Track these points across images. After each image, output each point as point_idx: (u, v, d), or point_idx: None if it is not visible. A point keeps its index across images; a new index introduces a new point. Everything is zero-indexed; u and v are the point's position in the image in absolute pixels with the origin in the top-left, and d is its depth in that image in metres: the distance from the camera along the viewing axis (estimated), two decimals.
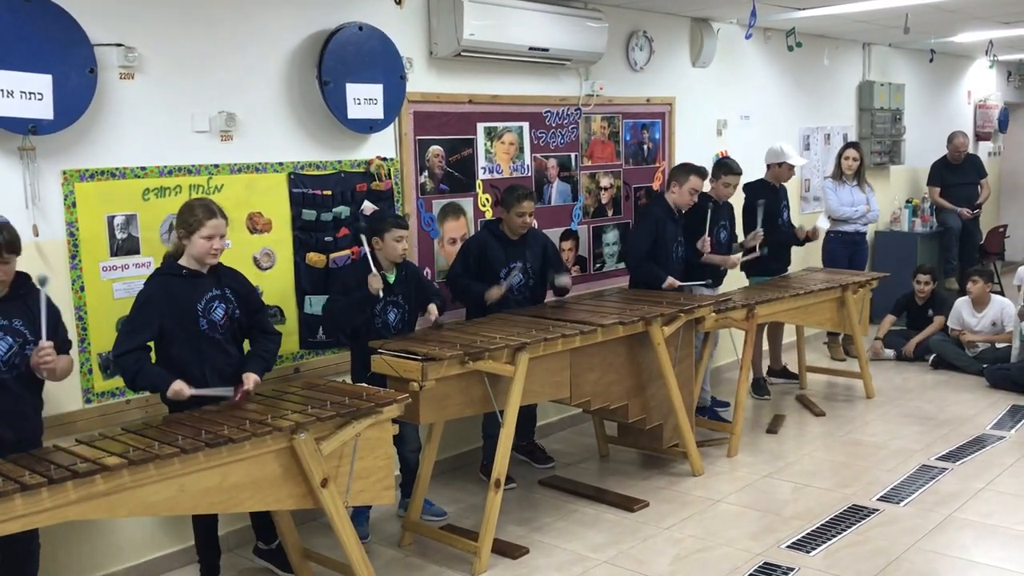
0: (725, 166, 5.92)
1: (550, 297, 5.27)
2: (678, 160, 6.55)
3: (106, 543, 3.97)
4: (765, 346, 6.97)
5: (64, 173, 3.72)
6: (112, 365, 3.68)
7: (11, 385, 3.21)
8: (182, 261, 3.66)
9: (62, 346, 3.38)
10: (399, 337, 4.27)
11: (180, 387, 3.47)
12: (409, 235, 4.43)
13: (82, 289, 3.80)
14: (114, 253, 3.88)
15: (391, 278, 4.36)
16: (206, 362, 3.63)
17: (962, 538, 4.23)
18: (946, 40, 8.70)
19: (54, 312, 3.33)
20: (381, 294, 4.23)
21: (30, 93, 3.51)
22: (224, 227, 3.67)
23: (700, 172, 5.57)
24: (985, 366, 6.83)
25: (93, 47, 3.69)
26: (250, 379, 3.64)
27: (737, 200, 6.25)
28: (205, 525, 3.87)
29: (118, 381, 3.92)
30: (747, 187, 6.44)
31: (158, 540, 4.13)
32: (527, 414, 5.36)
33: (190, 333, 3.61)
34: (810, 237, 6.61)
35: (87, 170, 3.78)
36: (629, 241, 5.75)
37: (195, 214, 3.60)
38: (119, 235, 3.89)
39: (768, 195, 6.38)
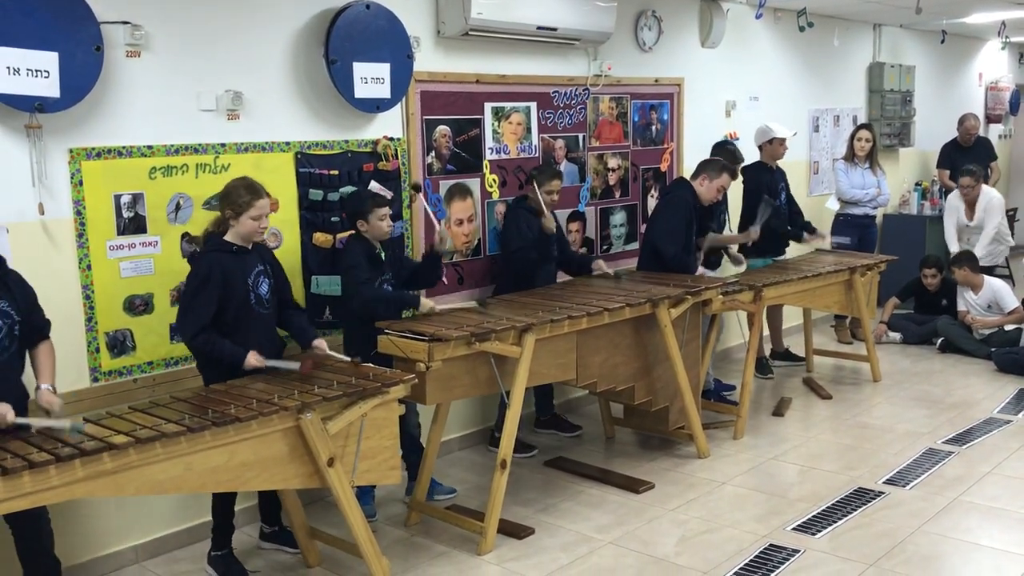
0: (733, 154, 5.93)
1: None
2: (687, 141, 6.52)
3: (121, 518, 4.00)
4: (765, 330, 6.95)
5: (71, 151, 3.71)
6: (188, 346, 3.72)
7: (1, 367, 3.20)
8: (228, 237, 3.72)
9: (43, 327, 3.38)
10: (407, 318, 4.27)
11: (255, 359, 3.61)
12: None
13: (89, 268, 3.80)
14: (121, 232, 3.88)
15: (383, 256, 4.35)
16: (251, 336, 3.69)
17: (968, 521, 4.23)
18: (958, 21, 8.62)
19: (32, 293, 3.33)
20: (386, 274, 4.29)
21: (36, 71, 3.50)
22: (268, 206, 3.76)
23: (733, 173, 5.53)
24: (993, 350, 6.81)
25: (99, 24, 3.67)
26: (323, 344, 3.83)
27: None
28: (224, 500, 3.90)
29: (125, 360, 3.94)
30: (745, 170, 6.40)
31: (173, 516, 4.16)
32: (544, 389, 5.42)
33: (241, 308, 3.69)
34: (818, 236, 6.59)
35: (94, 148, 3.78)
36: (660, 229, 5.39)
37: (242, 196, 3.67)
38: (126, 214, 3.89)
39: (765, 176, 6.36)
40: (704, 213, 5.61)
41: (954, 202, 7.77)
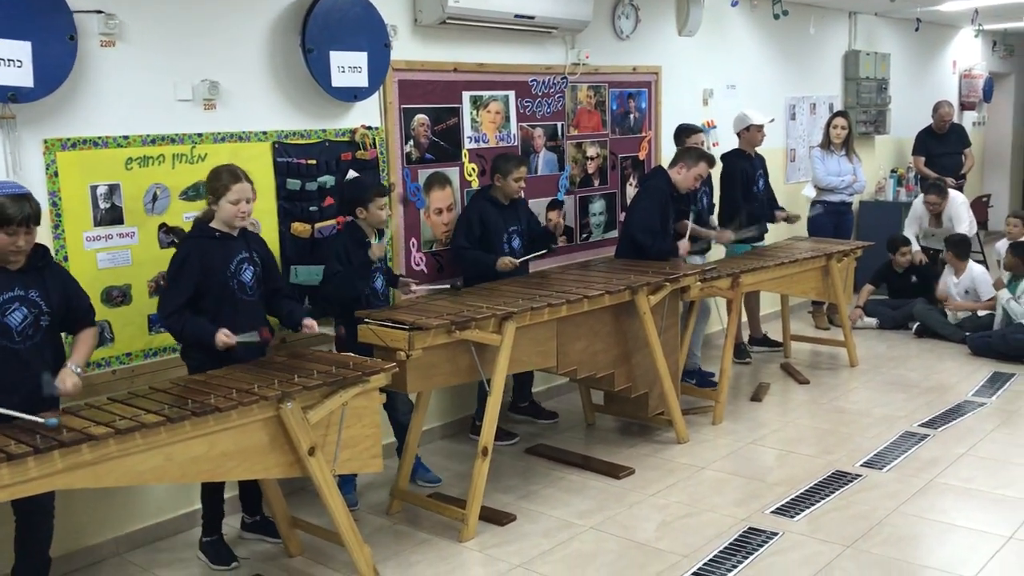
0: (683, 128, 6.03)
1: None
2: (665, 130, 6.54)
3: (101, 510, 3.99)
4: (744, 317, 7.01)
5: (46, 142, 3.68)
6: (163, 326, 3.77)
7: (24, 355, 3.23)
8: (213, 224, 3.75)
9: (85, 316, 3.45)
10: (386, 307, 4.27)
11: (224, 336, 3.60)
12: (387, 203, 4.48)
13: (66, 259, 3.77)
14: (97, 223, 3.86)
15: (376, 242, 4.42)
16: (236, 322, 3.69)
17: (943, 502, 4.29)
18: (932, 9, 8.69)
19: (71, 285, 3.40)
20: (377, 262, 4.37)
21: (9, 60, 3.46)
22: (250, 190, 3.77)
23: (710, 160, 5.55)
24: (967, 334, 6.90)
25: (72, 14, 3.64)
26: (313, 323, 3.88)
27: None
28: (212, 485, 3.90)
29: (103, 352, 3.92)
30: (724, 157, 6.46)
31: (154, 507, 4.15)
32: (523, 376, 5.45)
33: (220, 293, 3.70)
34: (789, 221, 6.67)
35: (69, 139, 3.75)
36: (636, 215, 5.46)
37: (221, 179, 3.71)
38: (102, 205, 3.86)
39: (743, 163, 6.42)
40: (683, 197, 5.65)
41: (919, 210, 7.81)
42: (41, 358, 3.28)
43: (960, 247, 7.21)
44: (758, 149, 6.58)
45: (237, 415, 3.21)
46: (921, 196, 7.89)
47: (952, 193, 7.73)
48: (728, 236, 5.97)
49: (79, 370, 3.32)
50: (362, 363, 3.66)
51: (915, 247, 7.70)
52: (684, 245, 5.46)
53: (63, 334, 3.47)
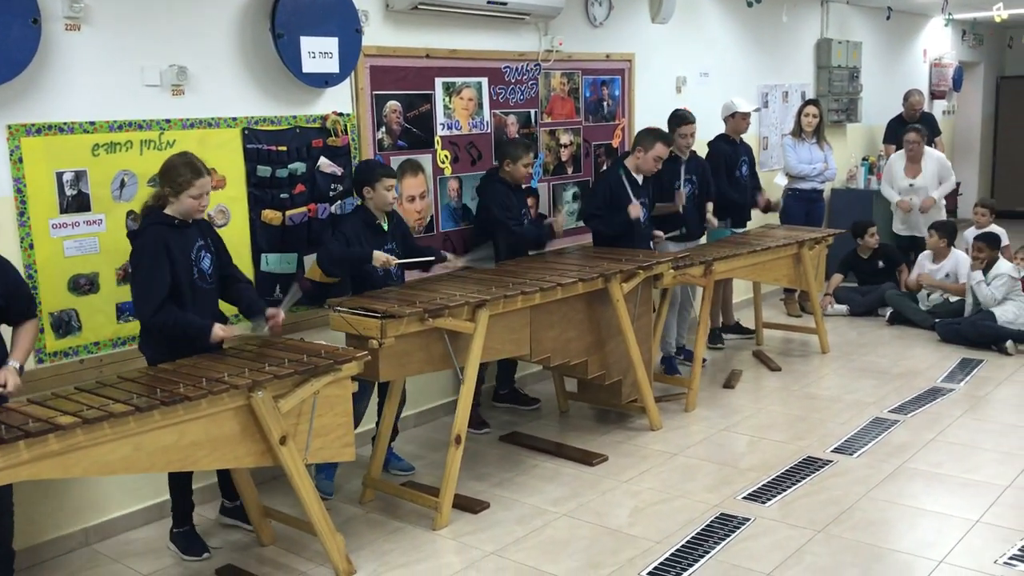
0: (676, 116, 6.01)
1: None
2: (638, 117, 6.55)
3: (82, 498, 3.95)
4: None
5: (9, 127, 3.62)
6: (149, 324, 3.63)
7: None
8: (168, 211, 3.65)
9: (26, 308, 3.35)
10: (358, 295, 4.25)
11: (221, 330, 3.62)
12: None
13: (31, 247, 3.71)
14: (64, 210, 3.80)
15: (385, 227, 4.43)
16: (195, 311, 3.64)
17: (912, 487, 4.33)
18: None
19: (10, 274, 3.29)
20: (391, 268, 4.37)
21: None
22: (210, 184, 3.70)
23: (666, 139, 5.56)
24: (937, 320, 6.97)
25: None
26: (279, 314, 3.84)
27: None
28: (180, 476, 3.86)
29: (71, 340, 3.87)
30: (710, 144, 6.51)
31: (123, 497, 4.10)
32: (505, 363, 5.50)
33: (184, 282, 3.62)
34: (771, 207, 6.73)
35: (33, 124, 3.68)
36: (584, 202, 5.94)
37: (182, 174, 3.60)
38: (68, 191, 3.80)
39: (727, 149, 6.48)
40: (662, 184, 5.77)
41: (895, 163, 7.90)
42: None
43: (951, 233, 7.28)
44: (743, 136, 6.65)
45: (207, 404, 3.18)
46: (895, 154, 7.96)
47: (929, 149, 7.84)
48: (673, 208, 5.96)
49: (19, 366, 3.24)
50: (334, 351, 3.63)
51: (893, 197, 7.78)
52: (633, 208, 5.43)
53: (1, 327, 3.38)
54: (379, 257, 4.24)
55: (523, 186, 5.30)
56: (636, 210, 5.41)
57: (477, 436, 5.09)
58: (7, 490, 3.32)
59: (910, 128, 7.87)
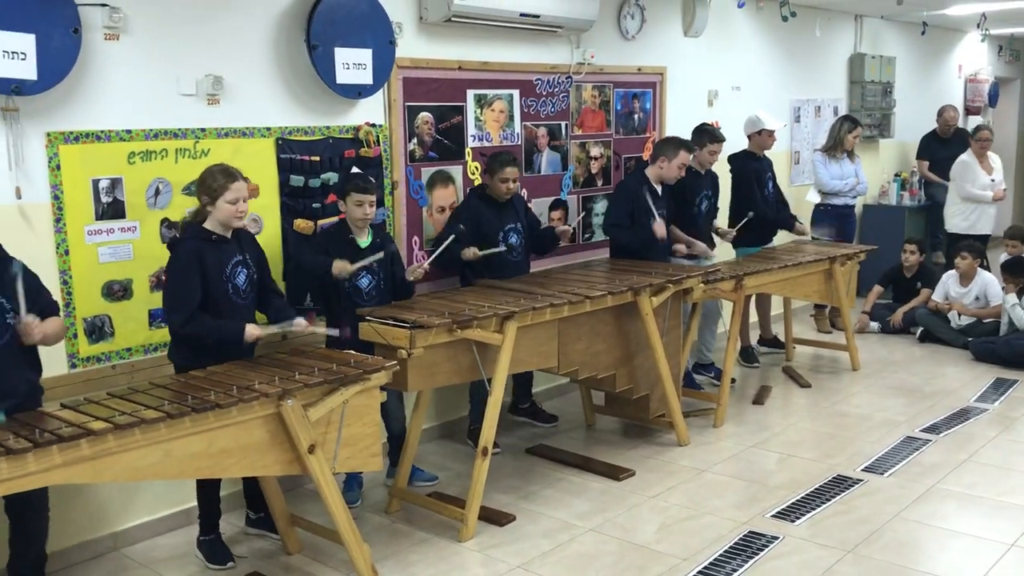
0: (709, 133, 5.90)
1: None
2: (669, 130, 6.52)
3: (111, 503, 3.99)
4: (754, 316, 7.01)
5: (48, 135, 3.67)
6: (181, 334, 3.65)
7: (2, 353, 3.15)
8: (208, 225, 3.68)
9: (48, 309, 3.35)
10: (363, 305, 4.24)
11: (253, 330, 3.64)
12: (373, 200, 4.29)
13: (67, 253, 3.76)
14: (99, 217, 3.84)
15: (364, 244, 4.31)
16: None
17: (944, 508, 4.27)
18: (938, 13, 8.67)
19: (32, 280, 3.29)
20: (345, 276, 4.19)
21: (13, 53, 3.45)
22: (246, 189, 3.73)
23: (689, 147, 5.53)
24: (970, 339, 6.87)
25: (77, 6, 3.62)
26: (303, 322, 3.85)
27: (722, 170, 6.25)
28: (207, 485, 3.88)
29: (104, 346, 3.91)
30: (731, 158, 6.45)
31: (152, 503, 4.13)
32: (523, 378, 5.42)
33: (215, 297, 3.65)
34: (800, 232, 6.63)
35: (72, 132, 3.73)
36: (606, 212, 5.80)
37: (217, 179, 3.64)
38: (104, 199, 3.85)
39: (753, 165, 6.41)
40: (682, 199, 5.69)
41: (970, 164, 7.84)
42: (13, 358, 3.21)
43: (983, 255, 7.23)
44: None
45: (237, 412, 3.20)
46: (964, 157, 7.91)
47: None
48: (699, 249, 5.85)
49: (37, 321, 3.19)
50: (363, 361, 3.64)
51: (987, 195, 7.78)
52: (659, 227, 5.34)
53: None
54: (336, 266, 4.08)
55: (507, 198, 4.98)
56: (661, 229, 5.37)
57: (500, 450, 5.07)
58: (42, 493, 3.35)
59: (982, 127, 7.86)
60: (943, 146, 9.07)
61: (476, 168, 5.31)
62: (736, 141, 6.60)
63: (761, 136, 6.44)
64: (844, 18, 8.51)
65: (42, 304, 3.32)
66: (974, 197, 7.81)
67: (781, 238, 6.79)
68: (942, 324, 7.20)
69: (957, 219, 7.92)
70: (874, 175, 8.83)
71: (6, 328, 3.18)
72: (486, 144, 5.36)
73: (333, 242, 4.29)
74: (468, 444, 5.10)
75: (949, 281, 7.29)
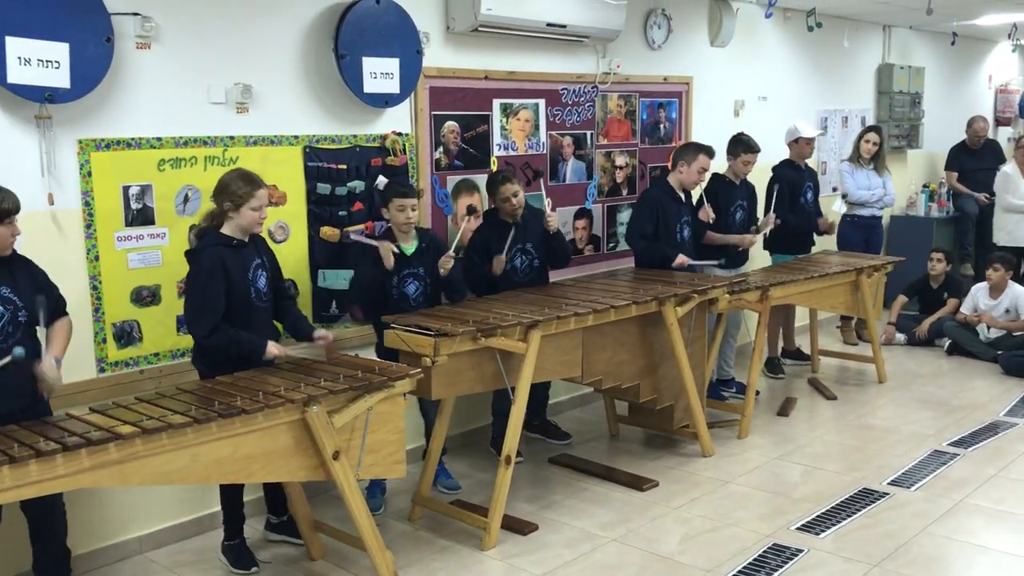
0: (743, 143, 5.89)
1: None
2: (695, 140, 6.50)
3: (125, 508, 4.02)
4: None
5: (80, 142, 3.72)
6: (206, 344, 3.65)
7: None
8: (225, 231, 3.70)
9: (56, 310, 3.37)
10: (412, 312, 4.27)
11: (277, 348, 3.69)
12: (415, 204, 4.34)
13: (96, 259, 3.81)
14: (129, 223, 3.89)
15: (409, 250, 4.36)
16: (251, 330, 3.69)
17: (973, 524, 4.22)
18: (968, 23, 8.59)
19: (41, 276, 3.33)
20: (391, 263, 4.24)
21: (47, 61, 3.51)
22: (267, 196, 3.76)
23: (708, 151, 5.51)
24: (999, 352, 6.79)
25: (110, 16, 3.68)
26: (327, 335, 3.92)
27: (760, 180, 6.22)
28: (231, 490, 3.91)
29: (131, 351, 3.95)
30: (774, 168, 6.46)
31: (177, 506, 4.17)
32: (538, 395, 5.36)
33: (241, 302, 3.67)
34: (828, 231, 6.62)
35: (103, 139, 3.78)
36: (629, 222, 5.67)
37: (241, 187, 3.65)
38: (134, 205, 3.90)
39: (791, 175, 6.41)
40: (716, 209, 5.67)
41: (1012, 175, 7.72)
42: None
43: (1015, 267, 7.13)
44: (808, 162, 6.60)
45: (263, 417, 3.22)
46: (1006, 168, 7.82)
47: None
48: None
49: (57, 361, 3.25)
50: (387, 368, 3.66)
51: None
52: (682, 260, 5.35)
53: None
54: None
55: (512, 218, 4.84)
56: (683, 262, 5.34)
57: (523, 459, 5.07)
58: (56, 498, 3.38)
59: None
60: (972, 157, 8.99)
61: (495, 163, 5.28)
62: (764, 151, 6.56)
63: (799, 144, 6.46)
64: (872, 28, 8.46)
65: (51, 305, 3.33)
66: (1015, 208, 7.71)
67: (822, 244, 6.77)
68: (971, 336, 7.12)
69: (1002, 232, 7.81)
70: (902, 186, 8.76)
71: (18, 327, 3.21)
72: (512, 153, 5.37)
73: (379, 255, 4.31)
74: (491, 452, 5.10)
75: (979, 293, 7.21)
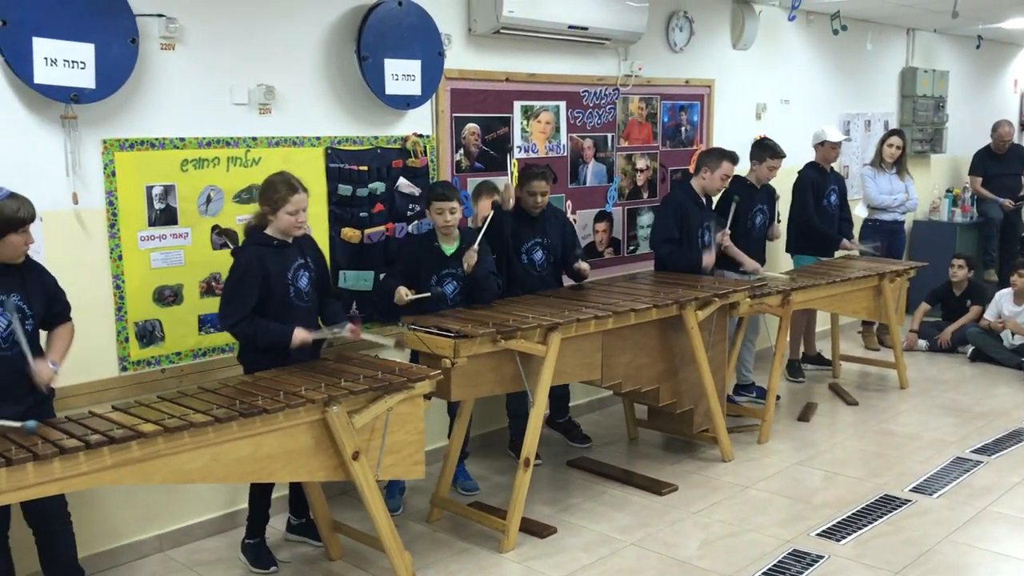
0: (769, 148, 5.86)
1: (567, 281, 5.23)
2: (716, 143, 6.48)
3: (157, 505, 4.05)
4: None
5: (104, 142, 3.75)
6: (232, 333, 3.73)
7: (12, 361, 3.17)
8: (268, 231, 3.74)
9: (60, 315, 3.37)
10: (448, 310, 4.28)
11: (302, 334, 3.68)
12: (454, 207, 4.33)
13: (120, 258, 3.84)
14: (152, 223, 3.91)
15: (450, 250, 4.40)
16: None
17: (996, 531, 4.17)
18: (993, 26, 8.52)
19: (51, 282, 3.33)
20: (402, 304, 4.25)
21: (73, 62, 3.54)
22: (306, 200, 3.76)
23: (732, 157, 5.49)
24: (1023, 359, 6.73)
25: (135, 17, 3.71)
26: (359, 330, 3.91)
27: (781, 183, 6.20)
28: (261, 488, 3.93)
29: (154, 350, 3.97)
30: (800, 170, 6.49)
31: (197, 505, 4.19)
32: (560, 392, 5.38)
33: (280, 302, 3.71)
34: (846, 249, 6.57)
35: (127, 140, 3.81)
36: (653, 227, 5.67)
37: (278, 191, 3.68)
38: (157, 205, 3.92)
39: (815, 177, 6.44)
40: (735, 213, 5.64)
41: None
42: (25, 364, 3.20)
43: None
44: (834, 166, 6.60)
45: (284, 417, 3.23)
46: None
47: None
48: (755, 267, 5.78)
49: (55, 366, 3.25)
50: (407, 369, 3.66)
51: None
52: (709, 260, 5.36)
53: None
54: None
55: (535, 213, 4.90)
56: (710, 261, 5.34)
57: (541, 462, 5.06)
58: (60, 501, 3.36)
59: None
60: (997, 162, 8.90)
61: (515, 165, 5.28)
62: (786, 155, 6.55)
63: (824, 148, 6.46)
64: (896, 32, 8.40)
65: (56, 309, 3.35)
66: None
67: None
68: (995, 343, 7.05)
69: None
70: (925, 191, 8.69)
71: (25, 333, 3.19)
72: (532, 155, 5.37)
73: (422, 251, 4.40)
74: (509, 455, 5.09)
75: (1003, 299, 7.14)
